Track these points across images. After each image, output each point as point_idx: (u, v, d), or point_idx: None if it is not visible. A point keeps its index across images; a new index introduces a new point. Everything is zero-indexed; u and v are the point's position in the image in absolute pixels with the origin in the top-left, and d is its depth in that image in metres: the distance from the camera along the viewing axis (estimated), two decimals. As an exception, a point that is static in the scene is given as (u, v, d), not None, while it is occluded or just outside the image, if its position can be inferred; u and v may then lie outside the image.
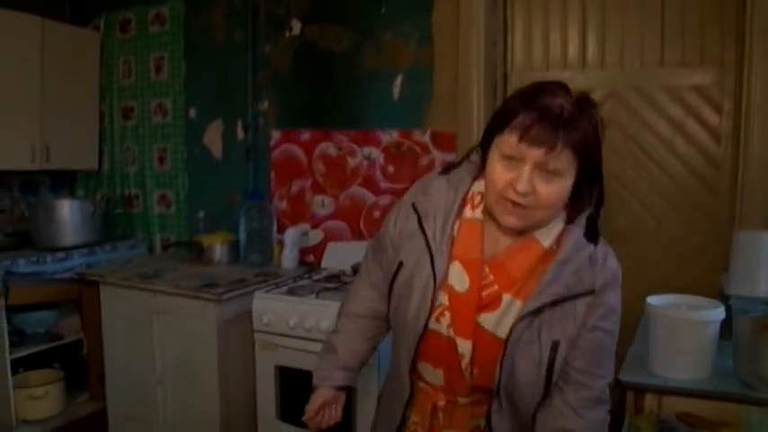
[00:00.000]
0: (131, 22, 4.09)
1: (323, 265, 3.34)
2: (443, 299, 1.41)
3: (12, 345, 3.46)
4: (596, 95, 2.87)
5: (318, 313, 2.72)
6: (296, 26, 3.54)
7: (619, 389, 1.77)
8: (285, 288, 2.99)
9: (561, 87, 1.29)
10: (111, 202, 4.21)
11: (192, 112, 3.91)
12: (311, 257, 3.52)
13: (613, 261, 1.40)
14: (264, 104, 3.67)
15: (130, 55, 4.12)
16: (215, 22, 3.78)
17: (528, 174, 1.26)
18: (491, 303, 1.38)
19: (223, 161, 3.83)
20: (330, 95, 3.46)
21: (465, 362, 1.40)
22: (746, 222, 2.60)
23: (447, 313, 1.41)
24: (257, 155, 3.71)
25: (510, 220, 1.33)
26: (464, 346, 1.39)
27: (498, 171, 1.31)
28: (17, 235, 3.86)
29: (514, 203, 1.30)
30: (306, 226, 3.52)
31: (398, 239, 1.52)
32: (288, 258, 3.39)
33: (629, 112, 2.93)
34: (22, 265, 3.46)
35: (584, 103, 1.29)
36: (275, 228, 3.51)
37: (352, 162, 3.40)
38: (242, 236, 3.48)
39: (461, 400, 1.47)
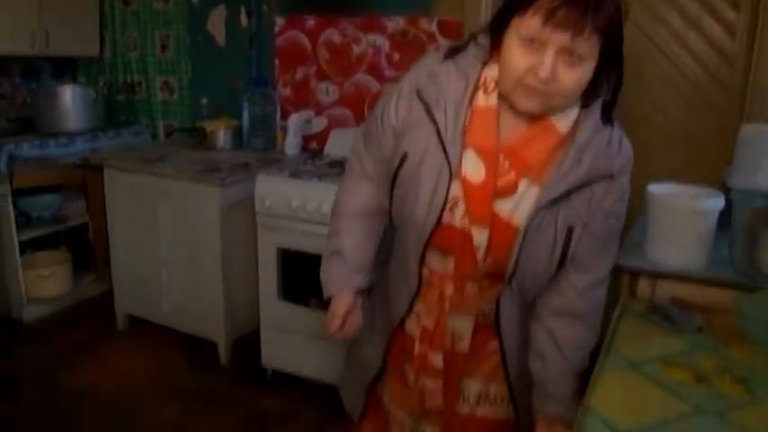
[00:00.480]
0: None
1: (326, 151, 3.34)
2: (457, 190, 1.34)
3: (18, 227, 3.52)
4: None
5: (320, 196, 2.74)
6: None
7: (615, 271, 1.80)
8: (287, 172, 2.99)
9: None
10: (113, 88, 4.19)
11: (195, -2, 3.83)
12: (314, 144, 3.52)
13: (628, 144, 1.37)
14: (268, -11, 3.59)
15: (130, -63, 4.00)
16: None
17: (551, 59, 1.18)
18: (507, 189, 1.33)
19: (226, 48, 3.77)
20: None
21: (480, 252, 1.37)
22: (755, 118, 2.56)
23: (461, 204, 1.35)
24: (261, 42, 3.64)
25: (529, 105, 1.26)
26: (480, 235, 1.36)
27: (518, 55, 1.21)
28: (20, 120, 3.85)
29: (534, 89, 1.22)
30: (309, 113, 3.50)
31: (401, 129, 1.43)
32: (291, 144, 3.40)
33: (641, 4, 2.84)
34: (26, 149, 3.47)
35: None
36: (279, 114, 3.49)
37: (357, 49, 3.35)
38: (245, 122, 3.48)
39: (469, 287, 1.44)
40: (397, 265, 1.54)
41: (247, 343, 3.25)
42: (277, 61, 3.61)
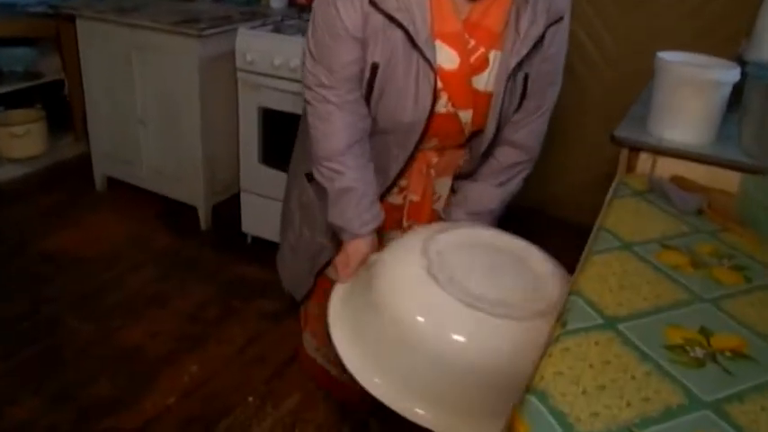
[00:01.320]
0: None
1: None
2: (437, 83, 1.38)
3: (-12, 81, 3.31)
4: None
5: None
6: None
7: (613, 145, 1.62)
8: (271, 26, 2.76)
9: None
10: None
11: None
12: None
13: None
14: None
15: None
16: None
17: None
18: (480, 65, 1.39)
19: None
20: None
21: (467, 128, 1.47)
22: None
23: (443, 94, 1.40)
24: None
25: None
26: (465, 115, 1.44)
27: None
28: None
29: None
30: (298, -38, 3.20)
31: (361, 37, 1.35)
32: (277, -3, 3.13)
33: None
34: (-11, -7, 3.20)
35: None
36: (265, -37, 3.19)
37: None
38: (228, -29, 3.19)
39: (449, 152, 1.55)
40: (382, 146, 1.51)
41: (227, 208, 3.12)
42: None
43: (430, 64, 1.34)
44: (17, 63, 3.50)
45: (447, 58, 1.37)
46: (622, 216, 1.33)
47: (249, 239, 3.00)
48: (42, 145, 3.54)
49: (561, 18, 1.40)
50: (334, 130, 1.43)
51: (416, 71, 1.35)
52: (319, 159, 1.47)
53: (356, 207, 1.46)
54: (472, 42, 1.37)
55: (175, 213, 3.21)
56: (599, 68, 3.03)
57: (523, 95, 1.46)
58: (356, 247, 1.48)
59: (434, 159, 1.54)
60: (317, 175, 1.49)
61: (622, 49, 2.94)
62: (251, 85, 2.70)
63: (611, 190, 1.52)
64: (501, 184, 1.59)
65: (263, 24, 2.81)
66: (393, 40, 1.34)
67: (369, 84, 1.40)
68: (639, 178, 1.55)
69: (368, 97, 1.43)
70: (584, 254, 1.22)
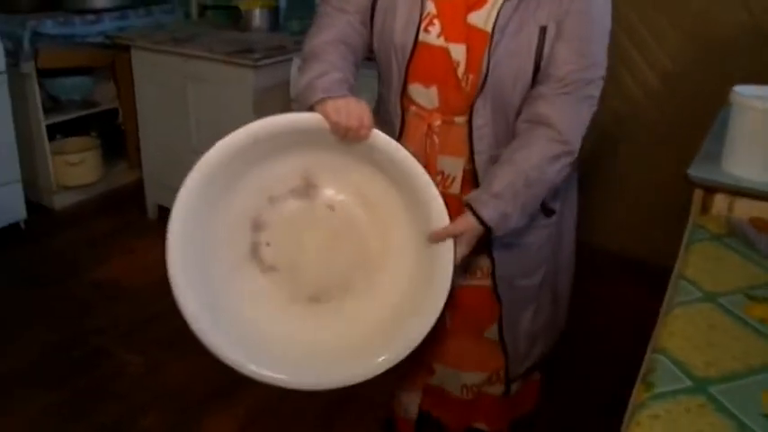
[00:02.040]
0: None
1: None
2: (430, 7, 1.37)
3: (46, 111, 3.37)
4: None
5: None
6: None
7: (686, 186, 1.54)
8: (326, 56, 2.74)
9: None
10: (144, -37, 3.90)
11: None
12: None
13: None
14: None
15: None
16: None
17: None
18: (479, 1, 1.34)
19: None
20: None
21: (461, 70, 1.38)
22: None
23: (436, 21, 1.37)
24: None
25: None
26: (457, 51, 1.37)
27: None
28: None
29: None
30: (352, -7, 3.19)
31: None
32: (331, 27, 3.11)
33: None
34: (50, 26, 3.25)
35: None
36: (318, -7, 3.19)
37: None
38: (282, 1, 3.22)
39: (458, 120, 1.44)
40: (382, 108, 1.54)
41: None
42: (318, -66, 3.27)
43: None
44: (75, 92, 3.55)
45: None
46: (702, 263, 1.25)
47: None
48: (97, 173, 3.58)
49: None
50: (331, 24, 1.43)
51: None
52: (303, 54, 1.43)
53: (330, 80, 1.33)
54: None
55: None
56: (650, 86, 2.92)
57: (540, 54, 1.32)
58: (341, 101, 1.30)
59: (437, 122, 1.46)
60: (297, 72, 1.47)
61: (677, 66, 2.82)
62: (305, 115, 2.67)
63: (686, 233, 1.43)
64: (516, 152, 1.38)
65: (318, 54, 2.79)
66: None
67: (372, 5, 1.43)
68: (716, 220, 1.46)
69: (371, 20, 1.44)
70: (663, 306, 1.14)
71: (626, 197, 3.04)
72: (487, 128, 1.41)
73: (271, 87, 2.85)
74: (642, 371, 0.97)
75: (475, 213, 1.34)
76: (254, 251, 1.44)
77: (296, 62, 2.67)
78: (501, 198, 1.33)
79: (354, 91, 1.36)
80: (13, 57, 3.15)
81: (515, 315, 1.66)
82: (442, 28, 1.37)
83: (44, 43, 3.24)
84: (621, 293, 2.72)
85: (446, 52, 1.37)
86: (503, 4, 1.30)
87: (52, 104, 3.49)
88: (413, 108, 1.48)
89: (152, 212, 3.43)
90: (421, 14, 1.36)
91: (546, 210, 1.54)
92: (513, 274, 1.59)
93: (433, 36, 1.38)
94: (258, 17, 3.25)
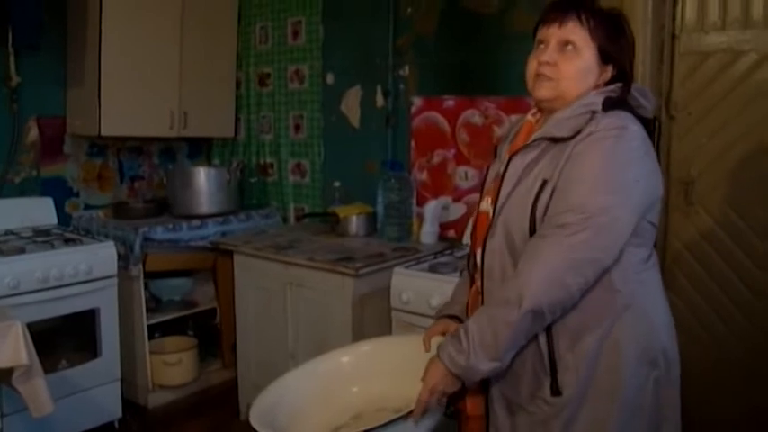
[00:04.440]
0: (269, -14, 4.00)
1: (464, 240, 3.09)
2: (493, 185, 1.64)
3: (148, 311, 3.49)
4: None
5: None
6: (441, -15, 3.31)
7: None
8: (426, 264, 2.80)
9: None
10: (246, 170, 4.15)
11: (330, 78, 3.76)
12: (452, 232, 3.30)
13: (606, 122, 1.46)
14: (405, 70, 3.46)
15: (267, 20, 4.02)
16: (355, -18, 3.62)
17: (551, 47, 1.54)
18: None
19: (361, 129, 3.66)
20: (476, 60, 3.20)
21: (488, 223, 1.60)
22: None
23: (492, 192, 1.63)
24: (397, 123, 3.52)
25: (540, 92, 1.57)
26: (487, 203, 1.64)
27: (532, 57, 1.59)
28: (155, 202, 3.89)
29: (542, 75, 1.55)
30: (447, 199, 3.30)
31: None
32: (427, 233, 3.20)
33: None
34: (160, 232, 3.46)
35: (605, 8, 1.58)
36: (415, 200, 3.31)
37: (498, 131, 3.15)
38: (379, 208, 3.31)
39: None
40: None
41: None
42: (413, 143, 3.45)
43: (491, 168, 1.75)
44: (175, 293, 3.70)
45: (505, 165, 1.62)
46: None
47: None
48: (192, 373, 3.63)
49: (573, 137, 1.48)
50: None
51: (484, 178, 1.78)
52: None
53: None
54: None
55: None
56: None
57: (536, 200, 1.49)
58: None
59: (479, 281, 1.63)
60: None
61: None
62: (406, 324, 2.69)
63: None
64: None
65: (418, 262, 2.85)
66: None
67: None
68: None
69: None
70: None
71: None
72: (495, 273, 1.56)
73: (370, 294, 2.89)
74: None
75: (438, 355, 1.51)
76: None
77: (397, 271, 2.74)
78: (455, 338, 1.49)
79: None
80: (124, 260, 3.34)
81: None
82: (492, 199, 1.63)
83: (152, 247, 3.43)
84: None
85: (486, 214, 1.63)
86: (512, 157, 1.57)
87: (154, 304, 3.63)
88: (476, 275, 1.67)
89: (244, 414, 3.41)
90: (483, 190, 1.71)
91: (554, 386, 1.49)
92: None
93: (486, 204, 1.65)
94: (355, 224, 3.37)
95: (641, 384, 1.51)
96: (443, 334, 1.68)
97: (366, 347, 1.90)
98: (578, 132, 1.47)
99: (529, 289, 1.40)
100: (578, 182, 1.43)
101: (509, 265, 1.52)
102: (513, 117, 1.90)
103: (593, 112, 1.48)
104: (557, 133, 1.50)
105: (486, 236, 1.57)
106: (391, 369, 1.74)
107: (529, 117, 1.69)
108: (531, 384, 1.52)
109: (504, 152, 1.68)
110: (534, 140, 1.54)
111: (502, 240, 1.54)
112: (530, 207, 1.48)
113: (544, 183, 1.48)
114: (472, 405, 1.65)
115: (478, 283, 1.63)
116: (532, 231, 1.47)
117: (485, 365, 1.45)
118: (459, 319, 1.73)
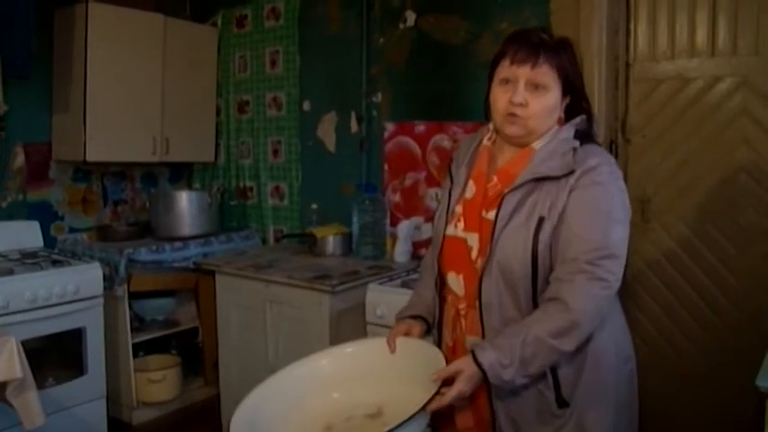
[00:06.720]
0: (247, 18, 4.16)
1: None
2: (459, 209, 1.73)
3: (132, 330, 3.59)
4: (727, 84, 2.72)
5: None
6: (410, 17, 3.49)
7: (756, 397, 1.62)
8: (399, 281, 2.95)
9: (541, 29, 1.68)
10: (226, 193, 4.30)
11: (307, 105, 3.93)
12: (424, 251, 3.42)
13: (594, 160, 1.59)
14: (378, 97, 3.64)
15: (246, 50, 4.19)
16: (330, 14, 3.79)
17: (521, 88, 1.60)
18: (494, 200, 1.64)
19: (336, 153, 3.83)
20: (445, 87, 3.38)
21: (474, 254, 1.66)
22: None
23: (462, 218, 1.72)
24: (371, 147, 3.69)
25: (512, 129, 1.63)
26: (472, 238, 1.68)
27: (499, 94, 1.63)
28: (138, 224, 4.02)
29: (514, 115, 1.61)
30: (419, 219, 3.46)
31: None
32: (401, 252, 3.35)
33: (764, 103, 2.67)
34: (144, 253, 3.58)
35: (558, 38, 1.66)
36: (388, 221, 3.47)
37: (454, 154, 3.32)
38: (355, 228, 3.46)
39: (477, 303, 1.64)
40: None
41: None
42: (386, 167, 3.62)
43: (449, 195, 1.78)
44: (158, 312, 3.81)
45: (470, 190, 1.73)
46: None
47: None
48: (176, 390, 3.73)
49: (562, 176, 1.57)
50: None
51: (447, 198, 1.78)
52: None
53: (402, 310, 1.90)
54: (494, 180, 1.69)
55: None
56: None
57: (536, 239, 1.57)
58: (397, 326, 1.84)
59: (462, 305, 1.71)
60: None
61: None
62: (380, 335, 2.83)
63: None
64: (528, 318, 1.57)
65: (391, 279, 3.00)
66: (447, 184, 1.85)
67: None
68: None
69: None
70: None
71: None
72: (494, 307, 1.61)
73: (346, 309, 3.03)
74: None
75: (474, 356, 1.51)
76: None
77: (372, 287, 2.88)
78: (499, 348, 1.51)
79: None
80: (109, 281, 3.45)
81: None
82: (464, 223, 1.71)
83: (136, 268, 3.55)
84: None
85: (464, 241, 1.69)
86: (504, 196, 1.61)
87: (138, 323, 3.74)
88: (449, 297, 1.76)
89: (226, 430, 3.52)
90: (448, 212, 1.75)
91: (559, 399, 1.63)
92: None
93: (459, 230, 1.72)
94: (332, 243, 3.52)
95: (626, 378, 1.75)
96: (407, 335, 1.78)
97: (324, 360, 2.01)
98: (571, 171, 1.57)
99: (582, 320, 1.52)
100: (595, 222, 1.55)
101: (507, 299, 1.61)
102: (465, 138, 1.90)
103: (574, 149, 1.59)
104: (550, 173, 1.58)
105: (483, 273, 1.61)
106: (361, 375, 1.82)
107: (485, 142, 1.77)
108: (535, 402, 1.64)
109: (461, 175, 1.77)
110: (526, 181, 1.59)
111: (499, 277, 1.59)
112: (530, 244, 1.56)
113: (541, 220, 1.56)
114: (461, 420, 1.72)
115: (461, 306, 1.71)
116: (534, 267, 1.57)
117: (519, 381, 1.53)
118: (424, 320, 1.83)
